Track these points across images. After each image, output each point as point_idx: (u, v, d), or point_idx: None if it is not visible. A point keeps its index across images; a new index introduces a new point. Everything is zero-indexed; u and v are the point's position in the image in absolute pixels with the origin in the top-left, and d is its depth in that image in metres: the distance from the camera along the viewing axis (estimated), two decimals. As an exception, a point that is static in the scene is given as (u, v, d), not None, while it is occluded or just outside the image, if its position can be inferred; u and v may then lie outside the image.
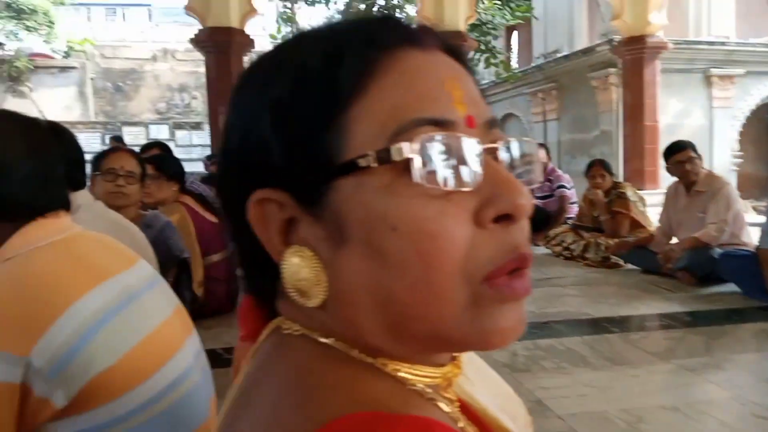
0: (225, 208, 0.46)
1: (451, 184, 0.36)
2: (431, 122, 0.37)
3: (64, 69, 17.03)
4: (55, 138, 1.15)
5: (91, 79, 17.18)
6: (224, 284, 3.52)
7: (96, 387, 0.93)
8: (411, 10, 11.89)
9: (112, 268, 1.06)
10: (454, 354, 0.45)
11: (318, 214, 0.38)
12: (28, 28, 17.84)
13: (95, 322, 0.95)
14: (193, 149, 15.14)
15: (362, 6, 12.06)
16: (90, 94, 17.16)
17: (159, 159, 3.30)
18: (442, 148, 0.36)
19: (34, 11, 17.92)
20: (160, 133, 16.02)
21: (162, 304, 1.13)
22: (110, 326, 0.97)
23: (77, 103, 16.79)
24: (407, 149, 0.35)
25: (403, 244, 0.36)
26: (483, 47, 10.77)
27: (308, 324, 0.41)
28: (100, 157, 2.38)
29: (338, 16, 12.39)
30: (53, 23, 18.51)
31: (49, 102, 16.27)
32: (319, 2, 12.82)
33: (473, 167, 0.37)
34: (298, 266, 0.39)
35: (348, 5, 12.07)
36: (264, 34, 12.15)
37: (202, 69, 16.22)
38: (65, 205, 1.09)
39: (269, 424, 0.36)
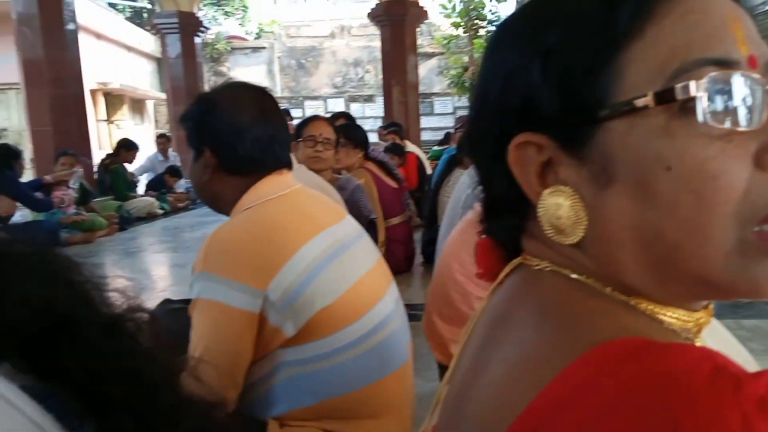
0: (474, 153, 0.49)
1: (737, 124, 0.35)
2: (716, 62, 0.36)
3: (255, 49, 18.75)
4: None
5: (278, 57, 18.70)
6: (402, 245, 3.72)
7: (318, 321, 1.06)
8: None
9: (327, 221, 1.19)
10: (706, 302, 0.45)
11: (582, 156, 0.39)
12: (226, 13, 19.89)
13: (316, 266, 1.08)
14: (366, 121, 15.83)
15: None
16: (277, 72, 18.71)
17: (347, 128, 3.54)
18: (727, 87, 0.36)
19: (231, -3, 19.90)
20: (337, 106, 16.97)
21: (367, 255, 1.24)
22: (328, 270, 1.09)
23: (266, 80, 18.39)
24: (693, 88, 0.35)
25: (678, 183, 0.36)
26: None
27: (558, 261, 0.43)
28: (301, 125, 2.62)
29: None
30: (247, 8, 20.40)
31: (241, 79, 17.99)
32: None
33: (758, 108, 0.36)
34: (557, 206, 0.40)
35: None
36: (434, 5, 12.15)
37: (375, 43, 16.73)
38: (288, 164, 1.24)
39: (535, 343, 0.39)
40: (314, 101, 17.02)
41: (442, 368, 1.59)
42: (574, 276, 0.42)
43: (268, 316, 1.04)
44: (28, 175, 6.26)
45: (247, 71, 18.29)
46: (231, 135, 1.15)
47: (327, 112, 16.39)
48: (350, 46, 18.74)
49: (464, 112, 15.47)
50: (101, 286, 0.53)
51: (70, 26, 6.21)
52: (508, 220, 0.47)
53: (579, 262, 0.42)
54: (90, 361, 0.47)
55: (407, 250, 3.83)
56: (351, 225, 1.26)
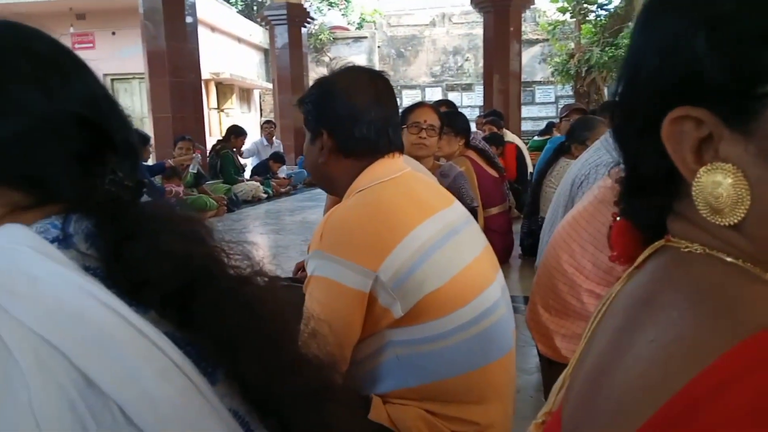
0: (620, 130, 0.47)
1: None
2: None
3: (357, 39, 19.08)
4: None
5: (378, 47, 18.91)
6: (501, 236, 3.65)
7: (426, 304, 1.07)
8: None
9: (437, 205, 1.19)
10: None
11: (749, 131, 0.37)
12: (330, 4, 20.39)
13: (427, 249, 1.09)
14: (464, 110, 15.64)
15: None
16: (376, 61, 18.93)
17: (449, 115, 3.52)
18: None
19: (336, -12, 20.35)
20: (434, 95, 16.94)
21: (475, 241, 1.24)
22: (438, 254, 1.10)
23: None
24: None
25: None
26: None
27: (711, 243, 0.41)
28: (406, 112, 2.64)
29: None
30: (351, -2, 20.79)
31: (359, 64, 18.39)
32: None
33: None
34: (716, 184, 0.38)
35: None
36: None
37: (476, 31, 16.39)
38: (400, 148, 1.25)
39: (691, 325, 0.37)
40: (412, 90, 17.08)
41: (545, 360, 1.56)
42: (729, 259, 0.40)
43: (378, 296, 1.07)
44: (150, 159, 6.79)
45: (347, 60, 18.63)
46: (348, 118, 1.18)
47: (425, 101, 16.42)
48: (450, 34, 18.57)
49: (568, 101, 14.91)
50: (231, 249, 0.58)
51: (190, 20, 6.64)
52: (653, 200, 0.46)
53: (735, 244, 0.40)
54: (223, 312, 0.52)
55: (505, 241, 3.76)
56: (460, 210, 1.26)
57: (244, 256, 0.59)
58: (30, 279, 0.45)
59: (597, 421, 0.39)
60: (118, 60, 11.45)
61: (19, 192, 0.52)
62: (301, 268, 2.14)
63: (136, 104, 12.23)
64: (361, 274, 1.05)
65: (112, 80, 12.22)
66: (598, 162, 2.15)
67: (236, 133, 8.01)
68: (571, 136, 3.56)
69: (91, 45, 11.98)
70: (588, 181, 2.12)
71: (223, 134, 8.08)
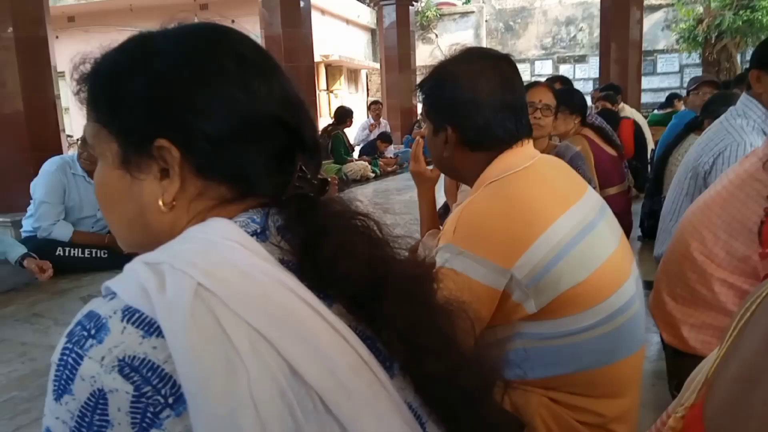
0: None
1: None
2: None
3: (464, 14, 18.69)
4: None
5: (486, 21, 18.43)
6: (620, 217, 3.46)
7: (563, 300, 1.03)
8: None
9: (573, 195, 1.12)
10: None
11: None
12: (437, -20, 20.11)
13: (565, 245, 1.03)
14: (577, 83, 14.91)
15: None
16: (484, 36, 18.48)
17: (565, 93, 3.39)
18: None
19: (442, -37, 20.03)
20: (544, 68, 16.28)
21: (612, 233, 1.16)
22: (575, 250, 1.04)
23: (473, 45, 18.31)
24: None
25: None
26: None
27: None
28: (520, 91, 2.58)
29: None
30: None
31: (448, 45, 18.19)
32: None
33: None
34: None
35: None
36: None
37: (591, 0, 15.39)
38: (529, 134, 1.17)
39: None
40: (521, 64, 16.50)
41: (670, 349, 1.50)
42: None
43: (511, 292, 1.03)
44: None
45: (454, 36, 18.37)
46: (473, 109, 1.12)
47: (534, 75, 15.94)
48: (563, 4, 17.67)
49: (694, 70, 13.71)
50: (400, 246, 0.62)
51: (303, 5, 6.88)
52: None
53: None
54: (401, 310, 0.55)
55: (625, 222, 3.57)
56: (594, 198, 1.18)
57: (407, 249, 0.62)
58: (241, 273, 0.50)
59: (752, 423, 0.39)
60: (220, 22, 12.09)
61: (226, 186, 0.58)
62: (413, 250, 2.17)
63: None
64: (494, 271, 1.02)
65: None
66: (721, 148, 1.99)
67: (345, 114, 8.23)
68: (706, 110, 3.28)
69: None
70: (715, 171, 1.97)
71: (333, 115, 8.31)
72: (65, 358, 0.48)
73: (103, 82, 0.60)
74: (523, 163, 1.12)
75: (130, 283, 0.50)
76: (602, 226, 1.13)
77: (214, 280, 0.48)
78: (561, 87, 3.70)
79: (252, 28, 9.25)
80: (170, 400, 0.45)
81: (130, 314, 0.48)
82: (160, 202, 0.58)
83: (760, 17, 10.03)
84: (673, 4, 13.28)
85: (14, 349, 2.39)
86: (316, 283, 0.53)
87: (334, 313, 0.52)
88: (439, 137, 1.18)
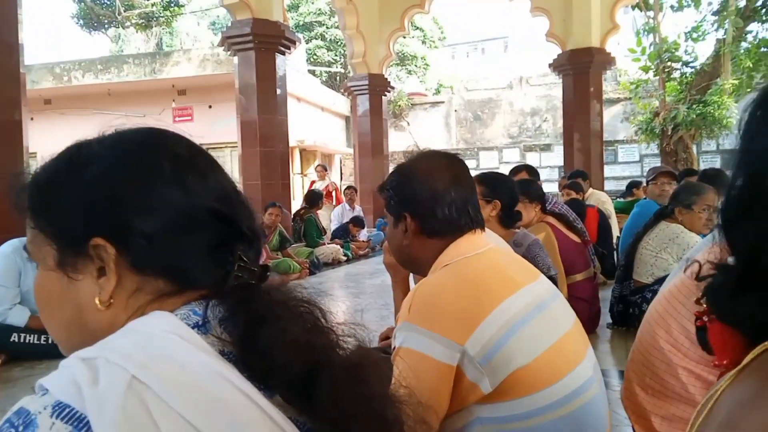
0: (734, 224, 0.49)
1: None
2: None
3: (434, 104, 19.57)
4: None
5: (455, 111, 19.27)
6: (587, 304, 3.51)
7: (515, 380, 1.06)
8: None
9: (524, 279, 1.19)
10: None
11: None
12: (409, 72, 21.17)
13: (515, 323, 1.08)
14: (543, 170, 15.50)
15: (742, 3, 10.48)
16: (453, 124, 19.26)
17: (523, 183, 3.52)
18: None
19: (414, 57, 21.18)
20: (512, 155, 16.89)
21: (565, 315, 1.22)
22: (527, 328, 1.09)
23: (442, 133, 19.05)
24: None
25: None
26: None
27: None
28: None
29: (712, 17, 11.04)
30: (428, 66, 21.52)
31: (419, 133, 18.89)
32: (688, 5, 11.65)
33: None
34: None
35: (724, 4, 10.64)
36: (619, 49, 11.63)
37: (554, 92, 16.32)
38: (481, 225, 1.28)
39: None
40: (489, 152, 17.15)
41: (642, 443, 1.47)
42: None
43: (465, 370, 1.06)
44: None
45: (424, 124, 19.10)
46: (430, 201, 1.23)
47: (502, 162, 16.51)
48: (528, 96, 18.68)
49: (653, 160, 14.39)
50: (339, 330, 0.62)
51: (280, 93, 7.11)
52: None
53: None
54: (340, 401, 0.55)
55: (592, 309, 3.60)
56: (546, 284, 1.25)
57: (351, 334, 0.63)
58: (179, 366, 0.50)
59: None
60: (213, 131, 12.34)
61: (164, 280, 0.59)
62: (385, 337, 2.16)
63: (227, 171, 13.00)
64: (448, 347, 1.06)
65: (207, 149, 13.12)
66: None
67: (317, 197, 8.33)
68: (675, 199, 3.48)
69: (189, 117, 13.02)
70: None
71: (304, 199, 8.42)
72: None
73: (40, 190, 0.61)
74: (476, 249, 1.22)
75: (63, 379, 0.50)
76: (554, 308, 1.19)
77: (150, 372, 0.48)
78: (522, 178, 3.86)
79: (229, 112, 9.49)
80: None
81: (60, 410, 0.47)
82: (97, 301, 0.58)
83: (711, 111, 10.70)
84: (630, 98, 14.13)
85: (-46, 446, 2.22)
86: (256, 374, 0.54)
87: (274, 404, 0.52)
88: (399, 228, 1.29)
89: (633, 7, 11.25)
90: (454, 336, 1.06)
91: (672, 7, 11.87)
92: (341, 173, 17.98)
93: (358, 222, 9.08)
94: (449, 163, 1.31)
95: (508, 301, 1.10)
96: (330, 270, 7.49)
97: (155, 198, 0.59)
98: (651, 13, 11.71)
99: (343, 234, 8.82)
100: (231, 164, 12.17)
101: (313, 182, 9.42)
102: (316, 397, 0.55)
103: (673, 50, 11.44)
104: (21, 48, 4.35)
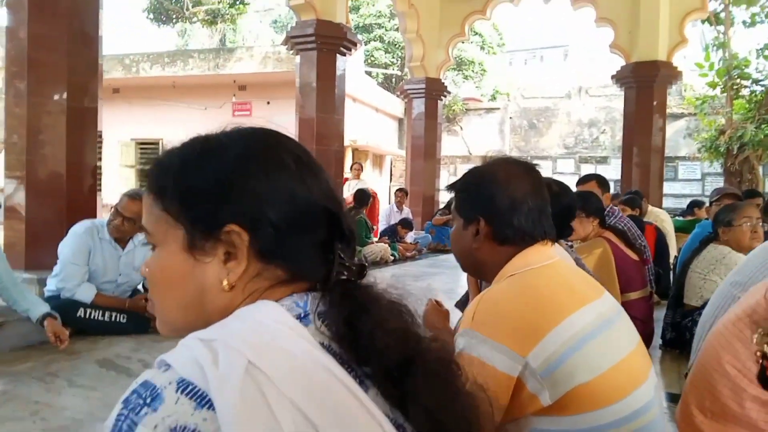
0: None
1: None
2: None
3: (489, 110, 19.40)
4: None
5: (510, 118, 19.05)
6: (641, 323, 3.43)
7: (576, 395, 1.04)
8: None
9: (590, 295, 1.17)
10: None
11: None
12: (465, 77, 21.06)
13: (581, 338, 1.06)
14: (598, 184, 15.12)
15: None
16: (507, 132, 19.04)
17: (582, 196, 3.44)
18: None
19: (472, 62, 21.06)
20: (566, 166, 16.60)
21: (630, 335, 1.19)
22: (592, 344, 1.07)
23: (496, 140, 18.87)
24: None
25: None
26: None
27: None
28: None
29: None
30: (485, 71, 21.35)
31: (472, 139, 18.77)
32: (761, 21, 11.17)
33: None
34: None
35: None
36: (685, 63, 11.26)
37: (614, 104, 15.93)
38: (553, 236, 1.27)
39: None
40: (543, 161, 16.87)
41: (697, 467, 1.44)
42: None
43: (526, 382, 1.05)
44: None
45: (478, 130, 18.96)
46: (508, 208, 1.22)
47: (555, 173, 16.23)
48: (586, 107, 18.28)
49: (716, 179, 13.84)
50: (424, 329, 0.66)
51: (339, 93, 7.22)
52: None
53: None
54: (432, 392, 0.58)
55: (646, 329, 3.50)
56: (611, 301, 1.23)
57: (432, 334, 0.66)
58: (288, 354, 0.54)
59: None
60: (270, 127, 12.61)
61: (282, 269, 0.63)
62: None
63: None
64: (510, 357, 1.05)
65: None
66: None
67: (367, 197, 8.40)
68: (716, 221, 3.45)
69: (248, 112, 13.36)
70: None
71: (353, 199, 8.47)
72: (119, 423, 0.50)
73: (174, 175, 0.65)
74: (544, 261, 1.21)
75: (185, 357, 0.54)
76: (619, 326, 1.16)
77: (264, 359, 0.52)
78: (579, 190, 3.80)
79: (286, 110, 9.69)
80: None
81: (184, 386, 0.51)
82: (225, 283, 0.62)
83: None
84: (695, 114, 13.64)
85: (27, 408, 2.37)
86: (355, 360, 0.57)
87: (370, 398, 0.55)
88: (469, 230, 1.27)
89: (703, 21, 10.88)
90: (517, 347, 1.05)
91: (744, 22, 11.42)
92: (391, 174, 18.05)
93: (406, 224, 9.12)
94: (528, 171, 1.30)
95: (573, 315, 1.08)
96: (377, 270, 7.54)
97: (284, 191, 0.63)
98: (721, 28, 11.30)
99: (391, 235, 8.88)
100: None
101: (346, 179, 9.44)
102: (411, 386, 0.57)
103: (743, 67, 11.00)
104: (100, 40, 4.59)
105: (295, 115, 7.33)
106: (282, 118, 11.09)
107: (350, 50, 7.34)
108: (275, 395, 0.50)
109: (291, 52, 7.50)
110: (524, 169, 1.30)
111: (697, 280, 3.40)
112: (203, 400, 0.50)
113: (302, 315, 0.60)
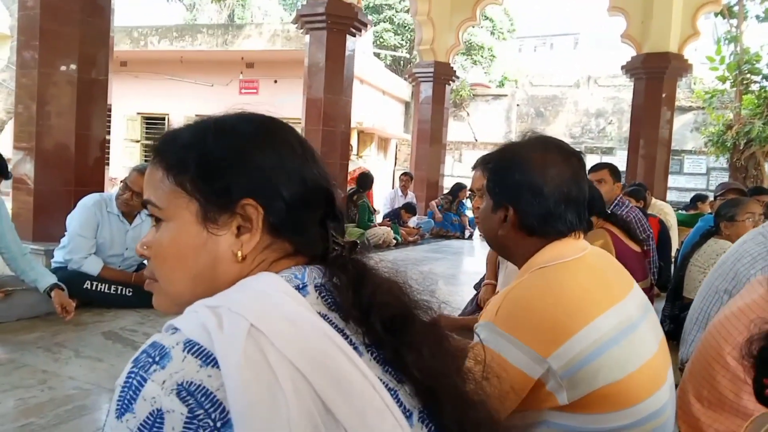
0: None
1: None
2: None
3: (496, 97, 19.30)
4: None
5: (517, 105, 18.95)
6: (641, 315, 3.47)
7: (597, 397, 1.03)
8: None
9: (620, 292, 1.12)
10: None
11: None
12: (474, 62, 20.90)
13: (605, 342, 1.03)
14: (602, 174, 15.09)
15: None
16: (513, 119, 18.95)
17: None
18: None
19: (481, 47, 20.89)
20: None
21: (654, 336, 1.16)
22: (617, 348, 1.04)
23: (502, 126, 18.81)
24: None
25: None
26: None
27: None
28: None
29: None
30: (494, 57, 21.18)
31: (479, 125, 18.70)
32: (776, 16, 11.05)
33: None
34: None
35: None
36: (696, 55, 11.15)
37: (623, 95, 15.81)
38: (584, 227, 1.20)
39: None
40: (549, 150, 16.81)
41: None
42: None
43: (545, 381, 1.03)
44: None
45: (484, 117, 18.88)
46: (539, 198, 1.14)
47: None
48: (594, 96, 18.17)
49: (721, 174, 13.80)
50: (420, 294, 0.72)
51: (347, 74, 7.19)
52: None
53: None
54: (426, 351, 0.63)
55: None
56: (639, 297, 1.18)
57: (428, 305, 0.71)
58: (287, 320, 0.57)
59: None
60: (276, 105, 12.55)
61: (289, 242, 0.69)
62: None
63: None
64: (531, 358, 1.01)
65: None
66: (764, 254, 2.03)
67: (369, 180, 8.42)
68: (718, 215, 3.47)
69: (255, 90, 13.29)
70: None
71: (356, 181, 8.48)
72: (130, 380, 0.54)
73: (193, 149, 0.68)
74: (574, 254, 1.13)
75: (192, 321, 0.57)
76: (645, 327, 1.13)
77: (265, 323, 0.56)
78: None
79: (294, 89, 9.66)
80: (218, 424, 0.51)
81: (191, 346, 0.55)
82: (239, 253, 0.66)
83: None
84: (703, 108, 13.56)
85: (34, 376, 2.42)
86: (356, 320, 0.62)
87: (364, 362, 0.59)
88: (497, 215, 1.19)
89: (716, 14, 10.77)
90: (540, 347, 1.01)
91: (758, 17, 11.30)
92: (395, 158, 18.02)
93: (410, 209, 9.14)
94: (568, 158, 1.18)
95: (599, 318, 1.03)
96: (379, 253, 7.53)
97: (293, 170, 0.68)
98: (734, 21, 11.18)
99: (394, 219, 8.90)
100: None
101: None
102: (409, 336, 0.63)
103: (754, 62, 10.92)
104: (112, 12, 4.57)
105: (302, 95, 7.31)
106: (289, 98, 11.04)
107: (360, 31, 7.29)
108: (275, 356, 0.54)
109: (301, 30, 7.45)
110: (564, 155, 1.19)
111: (697, 274, 3.43)
112: (208, 359, 0.54)
113: (300, 286, 0.64)
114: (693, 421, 1.45)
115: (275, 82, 13.24)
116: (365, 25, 7.36)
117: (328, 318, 0.61)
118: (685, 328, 2.53)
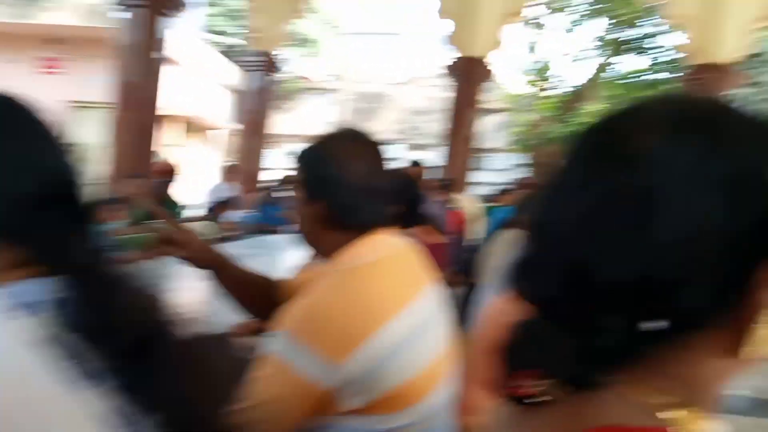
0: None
1: None
2: None
3: (324, 91, 19.50)
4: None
5: (345, 100, 19.35)
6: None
7: (387, 399, 1.04)
8: (666, 39, 11.06)
9: (414, 293, 1.14)
10: None
11: None
12: (302, 55, 20.82)
13: (396, 345, 1.05)
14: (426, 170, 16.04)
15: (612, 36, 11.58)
16: (341, 113, 19.33)
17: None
18: None
19: (311, 41, 20.87)
20: (397, 152, 17.34)
21: (444, 335, 1.20)
22: (408, 349, 1.07)
23: (329, 121, 19.08)
24: None
25: None
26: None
27: None
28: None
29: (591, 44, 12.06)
30: (322, 51, 21.32)
31: (306, 118, 18.77)
32: (570, 30, 12.62)
33: None
34: None
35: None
36: (504, 62, 12.35)
37: (441, 94, 16.76)
38: (388, 223, 1.19)
39: None
40: (376, 145, 17.41)
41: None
42: None
43: (336, 389, 1.02)
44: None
45: (312, 111, 18.99)
46: (341, 188, 1.14)
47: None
48: (417, 96, 19.22)
49: (525, 171, 15.45)
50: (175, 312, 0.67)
51: (160, 57, 6.69)
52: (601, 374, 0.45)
53: None
54: (176, 374, 0.60)
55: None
56: (432, 297, 1.20)
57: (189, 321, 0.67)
58: None
59: None
60: (82, 87, 11.34)
61: (16, 251, 0.58)
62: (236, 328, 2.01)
63: (95, 132, 12.03)
64: (321, 365, 1.00)
65: (77, 107, 12.04)
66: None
67: (172, 170, 7.91)
68: (522, 208, 3.73)
69: (59, 71, 11.84)
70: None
71: (160, 172, 7.89)
72: None
73: None
74: (374, 255, 1.13)
75: None
76: (435, 328, 1.16)
77: None
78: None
79: (100, 70, 8.76)
80: None
81: None
82: None
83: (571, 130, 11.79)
84: (510, 110, 15.06)
85: None
86: (99, 339, 0.55)
87: (98, 392, 0.54)
88: (308, 208, 1.18)
89: (525, 23, 11.98)
90: (332, 354, 1.00)
91: (567, 29, 12.77)
92: (222, 149, 17.34)
93: (232, 202, 8.82)
94: (372, 148, 1.20)
95: (392, 322, 1.05)
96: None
97: (25, 159, 0.58)
98: (539, 32, 12.57)
99: (213, 212, 8.52)
100: (96, 126, 11.29)
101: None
102: (151, 369, 0.57)
103: (545, 71, 12.40)
104: None
105: (109, 76, 6.66)
106: (96, 79, 10.02)
107: (175, 11, 6.83)
108: None
109: (110, 7, 6.78)
110: (365, 146, 1.20)
111: (485, 262, 3.76)
112: None
113: (33, 303, 0.55)
114: (469, 405, 1.56)
115: (81, 62, 11.92)
116: (182, 5, 6.92)
117: (60, 340, 0.53)
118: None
